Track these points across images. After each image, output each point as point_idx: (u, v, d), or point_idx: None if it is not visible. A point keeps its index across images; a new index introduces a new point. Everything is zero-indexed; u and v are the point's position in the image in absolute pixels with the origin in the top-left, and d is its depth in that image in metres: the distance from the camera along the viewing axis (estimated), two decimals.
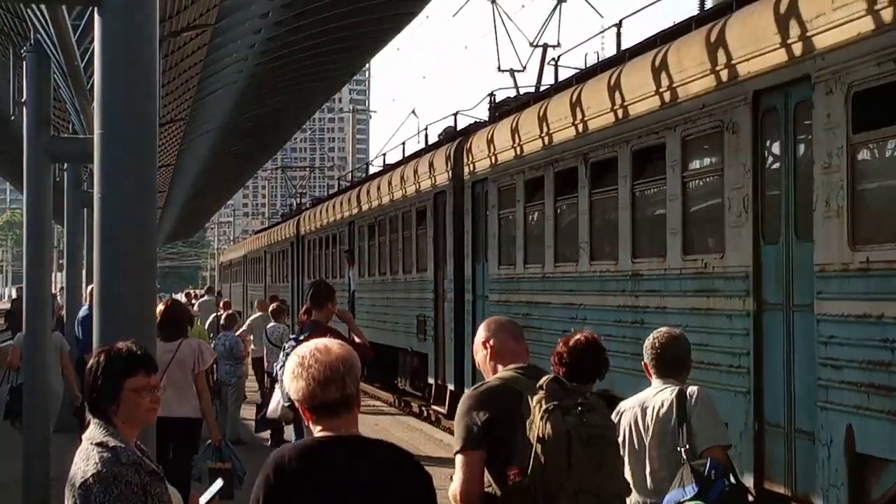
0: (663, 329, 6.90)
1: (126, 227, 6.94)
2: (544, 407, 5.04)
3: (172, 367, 10.09)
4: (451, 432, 9.39)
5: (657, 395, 6.51)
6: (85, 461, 4.48)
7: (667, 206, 11.79)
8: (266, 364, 19.99)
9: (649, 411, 6.47)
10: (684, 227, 11.52)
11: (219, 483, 4.64)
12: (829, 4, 9.12)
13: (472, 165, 18.55)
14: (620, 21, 14.97)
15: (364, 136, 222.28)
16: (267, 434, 17.28)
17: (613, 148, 13.04)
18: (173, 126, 28.18)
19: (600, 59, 16.15)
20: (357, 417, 4.14)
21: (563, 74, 17.81)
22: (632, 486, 6.41)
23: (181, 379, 10.13)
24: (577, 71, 16.73)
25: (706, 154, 11.35)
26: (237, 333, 19.55)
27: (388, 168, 27.98)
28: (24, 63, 13.14)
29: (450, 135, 23.02)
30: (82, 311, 17.20)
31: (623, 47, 14.75)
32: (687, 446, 6.26)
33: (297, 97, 34.92)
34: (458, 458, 5.21)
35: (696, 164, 11.56)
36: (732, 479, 6.20)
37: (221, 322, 19.77)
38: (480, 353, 5.60)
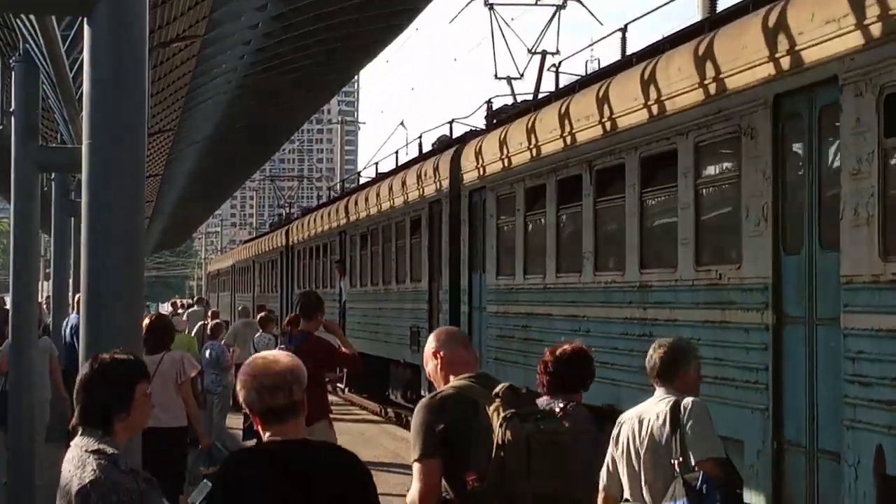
0: (662, 338, 6.87)
1: (113, 237, 6.96)
2: (503, 414, 5.12)
3: (155, 380, 9.94)
4: None
5: (654, 406, 6.46)
6: (80, 468, 4.46)
7: (678, 215, 11.32)
8: None
9: (645, 423, 6.44)
10: (697, 237, 11.05)
11: (206, 485, 4.43)
12: (858, 1, 8.60)
13: (469, 173, 18.15)
14: (626, 25, 14.57)
15: (352, 147, 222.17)
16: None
17: (620, 155, 12.60)
18: (162, 136, 28.29)
19: (602, 66, 15.68)
20: (303, 423, 4.45)
21: (564, 81, 17.33)
22: (629, 496, 6.47)
23: (163, 391, 10.18)
24: (579, 77, 16.27)
25: (721, 161, 10.89)
26: (222, 342, 19.36)
27: (380, 177, 27.75)
28: (13, 72, 13.19)
29: (444, 143, 22.77)
30: (73, 319, 17.13)
31: (627, 52, 14.29)
32: (680, 459, 6.23)
33: (286, 108, 35.10)
34: (416, 467, 5.31)
35: (710, 172, 11.10)
36: (734, 492, 6.26)
37: (208, 332, 19.66)
38: (431, 364, 5.67)
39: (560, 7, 21.11)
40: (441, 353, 5.65)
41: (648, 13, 13.97)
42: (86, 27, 6.95)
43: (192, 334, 21.89)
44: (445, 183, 19.33)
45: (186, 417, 10.68)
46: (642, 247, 12.17)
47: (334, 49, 26.72)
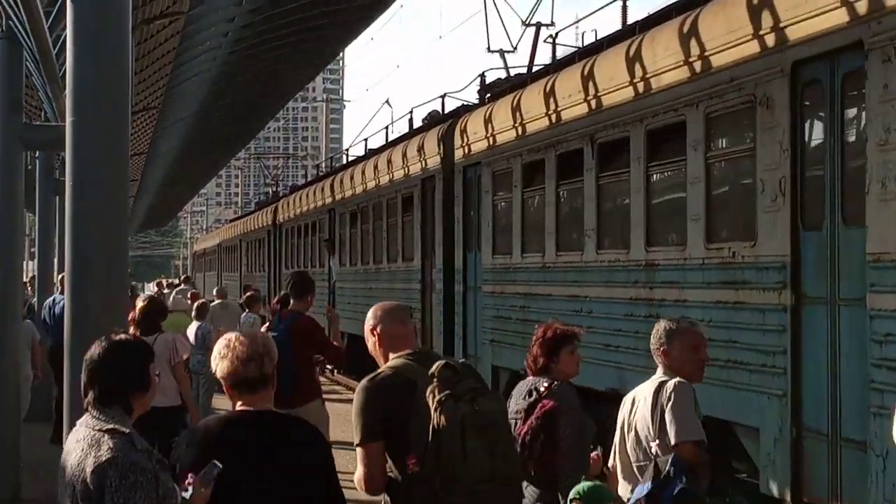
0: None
1: (98, 216, 7.01)
2: (437, 398, 5.17)
3: None
4: None
5: (647, 386, 6.46)
6: (95, 447, 4.47)
7: (687, 190, 10.87)
8: None
9: (635, 403, 6.47)
10: (708, 213, 10.60)
11: (216, 466, 4.64)
12: None
13: (463, 149, 17.75)
14: None
15: (338, 125, 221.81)
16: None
17: (625, 127, 12.16)
18: (146, 114, 28.50)
19: (598, 37, 15.21)
20: (272, 396, 4.88)
21: (560, 54, 16.85)
22: (619, 473, 6.54)
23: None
24: (577, 49, 15.78)
25: (734, 132, 10.41)
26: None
27: (370, 153, 27.35)
28: None
29: (435, 119, 22.46)
30: (50, 300, 17.23)
31: (629, 21, 13.85)
32: (657, 440, 6.23)
33: (271, 86, 35.36)
34: (359, 451, 5.37)
35: (722, 144, 10.64)
36: (700, 478, 6.19)
37: (193, 313, 19.48)
38: (370, 341, 5.71)
39: None
40: (378, 329, 5.68)
41: None
42: (69, 3, 6.99)
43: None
44: (438, 159, 18.98)
45: (180, 397, 10.97)
46: (648, 224, 11.74)
47: (319, 26, 26.74)
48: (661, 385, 6.33)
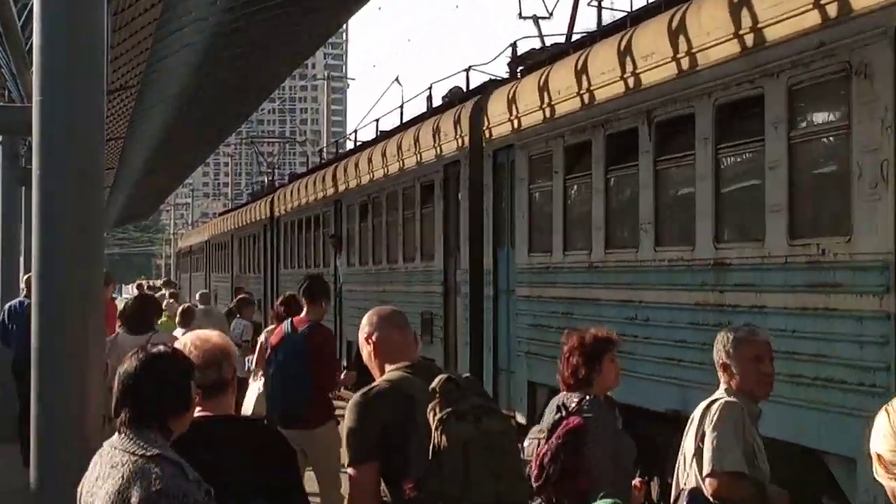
0: None
1: (69, 208, 7.01)
2: (438, 415, 5.26)
3: None
4: None
5: (702, 405, 6.54)
6: (141, 476, 4.49)
7: (765, 176, 10.60)
8: None
9: (690, 423, 6.57)
10: (791, 203, 10.31)
11: None
12: None
13: (493, 129, 17.66)
14: None
15: (340, 106, 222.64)
16: None
17: (689, 103, 11.92)
18: (123, 94, 28.75)
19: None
20: (232, 400, 5.32)
21: (607, 19, 16.59)
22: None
23: None
24: (628, 13, 15.56)
25: (823, 107, 10.14)
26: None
27: (382, 136, 27.35)
28: None
29: (457, 96, 22.48)
30: (14, 302, 17.27)
31: None
32: (694, 465, 6.35)
33: (265, 62, 35.64)
34: (350, 472, 5.48)
35: (808, 121, 10.35)
36: None
37: (177, 318, 19.63)
38: (365, 350, 5.84)
39: None
40: (374, 337, 5.81)
41: None
42: None
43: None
44: (464, 141, 18.90)
45: None
46: (718, 215, 11.51)
47: None
48: (711, 404, 6.39)
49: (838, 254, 9.59)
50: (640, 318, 12.84)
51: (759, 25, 10.66)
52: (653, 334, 12.41)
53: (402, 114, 28.87)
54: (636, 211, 13.06)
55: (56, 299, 7.26)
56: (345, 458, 5.52)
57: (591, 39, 15.64)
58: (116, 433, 4.69)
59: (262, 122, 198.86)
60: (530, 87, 16.29)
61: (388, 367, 5.67)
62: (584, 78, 14.39)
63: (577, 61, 14.79)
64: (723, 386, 6.45)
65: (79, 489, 4.69)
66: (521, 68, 18.96)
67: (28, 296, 13.74)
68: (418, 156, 21.60)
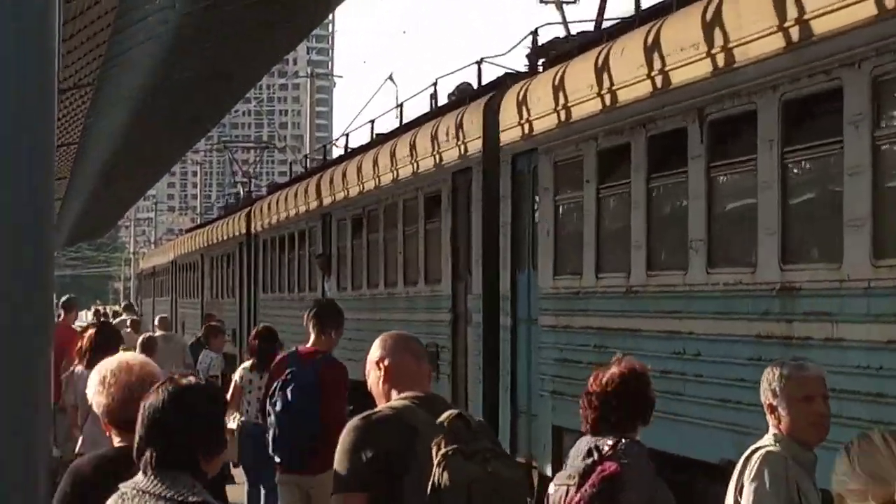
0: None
1: (13, 224, 6.34)
2: (443, 451, 5.47)
3: None
4: None
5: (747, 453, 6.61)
6: None
7: (844, 184, 10.52)
8: None
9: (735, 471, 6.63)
10: (875, 217, 10.22)
11: None
12: None
13: (511, 131, 17.67)
14: None
15: (325, 108, 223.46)
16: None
17: (749, 98, 11.89)
18: (77, 93, 28.52)
19: None
20: None
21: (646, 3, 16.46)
22: None
23: None
24: None
25: None
26: None
27: (378, 140, 27.41)
28: None
29: (466, 93, 22.46)
30: None
31: None
32: None
33: (239, 57, 35.39)
34: (336, 500, 5.77)
35: None
36: None
37: (138, 349, 19.71)
38: (373, 375, 6.12)
39: None
40: (385, 362, 6.07)
41: None
42: None
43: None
44: (477, 144, 18.92)
45: None
46: (784, 232, 11.46)
47: None
48: (753, 453, 6.45)
49: None
50: (687, 352, 12.80)
51: (836, 6, 10.57)
52: (705, 371, 12.36)
53: (401, 114, 28.76)
54: (684, 226, 13.02)
55: None
56: (334, 485, 5.78)
57: (626, 25, 15.64)
58: (141, 474, 4.77)
59: (236, 126, 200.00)
60: (556, 82, 16.23)
61: (394, 395, 5.95)
62: (620, 70, 14.40)
63: (611, 51, 14.82)
64: (771, 430, 6.47)
65: None
66: (542, 60, 18.91)
67: None
68: (421, 162, 21.64)
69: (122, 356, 5.90)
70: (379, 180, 24.20)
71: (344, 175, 27.15)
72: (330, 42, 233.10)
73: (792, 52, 11.21)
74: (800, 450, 6.37)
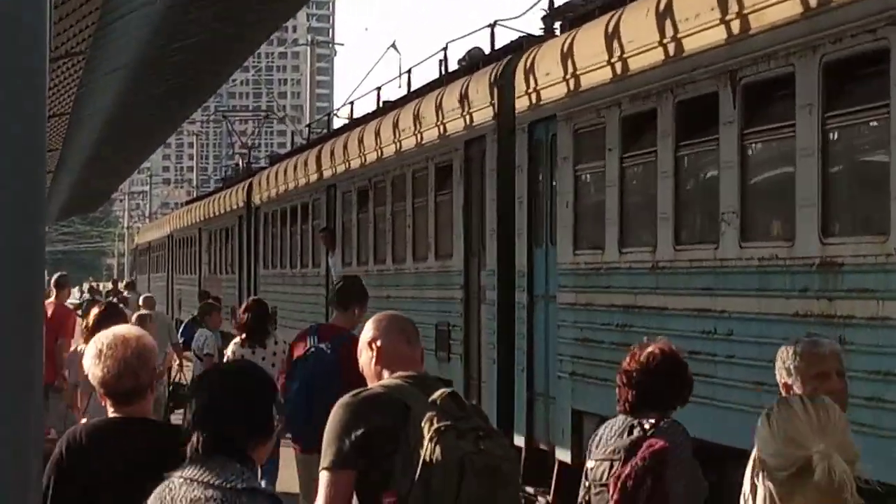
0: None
1: (2, 198, 5.83)
2: (435, 426, 5.64)
3: None
4: None
5: None
6: None
7: (890, 152, 10.26)
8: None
9: None
10: None
11: None
12: None
13: (528, 97, 17.52)
14: None
15: (326, 77, 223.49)
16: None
17: (787, 60, 11.68)
18: (70, 61, 28.52)
19: None
20: (150, 402, 6.20)
21: None
22: None
23: None
24: None
25: None
26: None
27: (385, 108, 27.36)
28: None
29: (477, 58, 22.40)
30: None
31: None
32: None
33: (237, 24, 35.38)
34: (324, 476, 5.92)
35: None
36: None
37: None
38: (365, 355, 6.38)
39: None
40: (378, 343, 6.29)
41: None
42: None
43: None
44: (490, 112, 18.87)
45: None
46: (825, 202, 11.29)
47: None
48: None
49: None
50: (720, 332, 12.71)
51: None
52: (738, 352, 12.24)
53: (409, 81, 28.82)
54: (716, 197, 12.94)
55: None
56: (323, 460, 5.91)
57: None
58: (188, 462, 4.89)
59: (233, 96, 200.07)
60: (575, 45, 16.15)
61: (386, 375, 6.15)
62: (645, 31, 14.24)
63: (635, 11, 14.71)
64: None
65: None
66: (559, 23, 18.85)
67: None
68: (431, 131, 21.57)
69: (119, 328, 6.23)
70: (385, 150, 24.26)
71: (349, 145, 27.14)
72: (330, 8, 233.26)
73: (834, 11, 10.98)
74: None
